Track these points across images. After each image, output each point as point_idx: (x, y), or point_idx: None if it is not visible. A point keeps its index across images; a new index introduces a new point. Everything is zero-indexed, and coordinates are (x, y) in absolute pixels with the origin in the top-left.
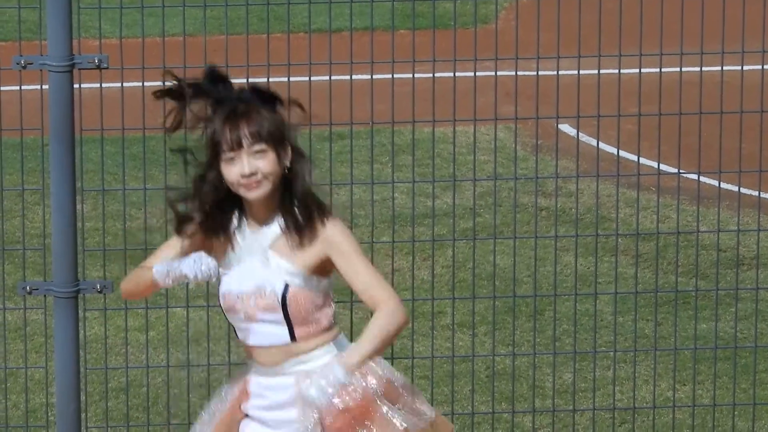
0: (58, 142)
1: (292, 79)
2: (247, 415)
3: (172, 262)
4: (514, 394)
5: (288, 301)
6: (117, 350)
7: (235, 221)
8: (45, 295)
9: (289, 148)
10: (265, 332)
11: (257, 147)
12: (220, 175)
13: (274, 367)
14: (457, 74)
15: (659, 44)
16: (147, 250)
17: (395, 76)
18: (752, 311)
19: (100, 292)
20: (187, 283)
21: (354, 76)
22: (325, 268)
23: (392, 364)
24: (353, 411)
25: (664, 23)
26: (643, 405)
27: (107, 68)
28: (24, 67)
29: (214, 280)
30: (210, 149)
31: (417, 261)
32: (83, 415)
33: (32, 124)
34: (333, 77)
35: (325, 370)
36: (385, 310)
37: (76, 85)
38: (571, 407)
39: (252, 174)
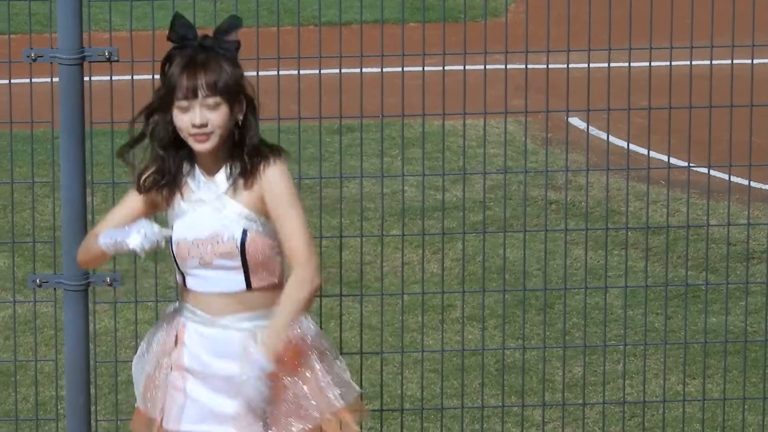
0: (69, 135)
1: (302, 72)
2: (171, 368)
3: (118, 234)
4: (523, 387)
5: (246, 247)
6: (127, 343)
7: (185, 168)
8: (55, 288)
9: (244, 101)
10: (221, 278)
11: (211, 100)
12: (170, 120)
13: (220, 317)
14: (467, 67)
15: (669, 38)
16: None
17: (405, 69)
18: (762, 305)
19: (109, 284)
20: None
21: (364, 69)
22: (267, 209)
23: (402, 357)
24: (286, 363)
25: (675, 16)
26: (652, 399)
27: (117, 61)
28: (34, 60)
29: (162, 245)
30: (164, 93)
31: (427, 254)
32: (93, 408)
33: (42, 116)
34: (343, 70)
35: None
36: (299, 278)
37: (86, 78)
38: (580, 401)
39: (203, 125)
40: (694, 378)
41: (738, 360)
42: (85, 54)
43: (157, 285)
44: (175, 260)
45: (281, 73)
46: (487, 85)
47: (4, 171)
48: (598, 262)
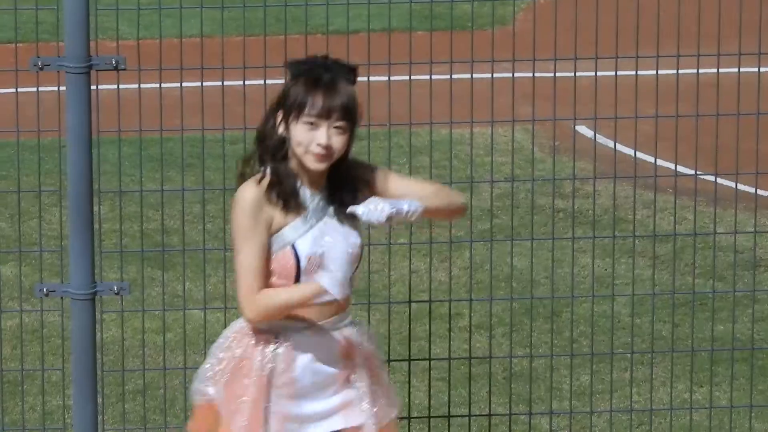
0: (76, 144)
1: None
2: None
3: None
4: (531, 395)
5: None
6: (134, 352)
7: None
8: (62, 297)
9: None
10: None
11: (340, 123)
12: (282, 134)
13: (331, 321)
14: (474, 75)
15: (676, 45)
16: (164, 251)
17: (413, 77)
18: None
19: (117, 293)
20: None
21: (371, 78)
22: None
23: (410, 365)
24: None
25: (682, 24)
26: (660, 407)
27: (124, 69)
28: (41, 69)
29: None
30: (285, 108)
31: (434, 262)
32: (100, 418)
33: (49, 125)
34: None
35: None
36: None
37: (93, 87)
38: (588, 409)
39: (327, 147)
40: (702, 386)
41: (745, 368)
42: (92, 62)
43: (164, 294)
44: (298, 276)
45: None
46: (494, 93)
47: (12, 180)
48: (606, 270)
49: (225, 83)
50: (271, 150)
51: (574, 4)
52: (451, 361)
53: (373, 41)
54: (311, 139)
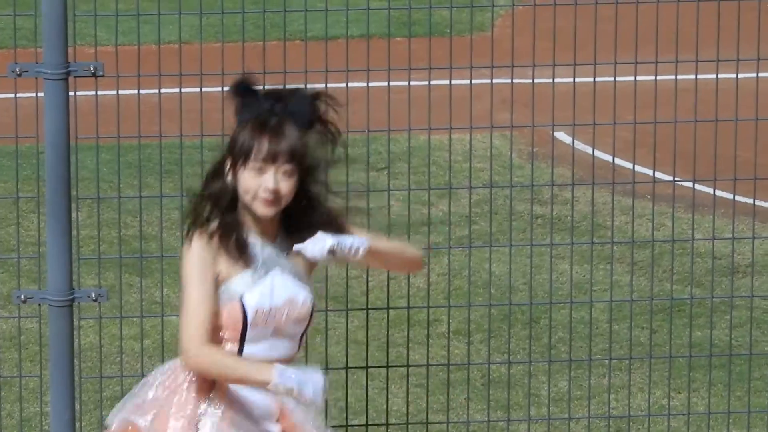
0: (54, 150)
1: (288, 86)
2: None
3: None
4: (509, 402)
5: (313, 311)
6: (112, 359)
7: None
8: (40, 304)
9: (307, 173)
10: (285, 344)
11: (287, 167)
12: (230, 183)
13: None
14: (453, 82)
15: (655, 52)
16: (142, 258)
17: (391, 83)
18: (747, 319)
19: (95, 300)
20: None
21: (350, 84)
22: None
23: (388, 372)
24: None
25: (660, 31)
26: (638, 413)
27: (103, 76)
28: (19, 75)
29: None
30: (233, 155)
31: None
32: (78, 425)
33: (27, 131)
34: (329, 85)
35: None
36: None
37: (71, 93)
38: (566, 415)
39: (275, 192)
40: (680, 392)
41: (723, 374)
42: (70, 69)
43: (142, 300)
44: (245, 329)
45: (267, 87)
46: (473, 99)
47: None
48: (584, 276)
49: (203, 89)
50: (219, 199)
51: (553, 11)
52: (429, 367)
53: (352, 47)
54: (259, 185)
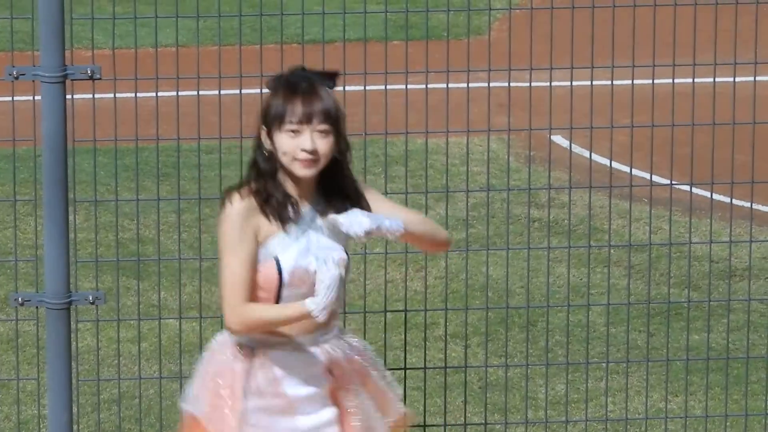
0: (51, 153)
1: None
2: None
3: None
4: (506, 405)
5: (349, 264)
6: (109, 362)
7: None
8: (37, 307)
9: (340, 136)
10: None
11: (323, 126)
12: (268, 148)
13: (311, 336)
14: (450, 85)
15: (652, 55)
16: (140, 261)
17: (388, 87)
18: (744, 322)
19: (92, 303)
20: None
21: (347, 87)
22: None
23: None
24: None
25: (657, 34)
26: (635, 416)
27: (100, 79)
28: (16, 78)
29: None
30: (267, 121)
31: (410, 272)
32: (75, 427)
33: (25, 134)
34: None
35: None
36: None
37: (68, 96)
38: (563, 418)
39: (313, 151)
40: (677, 395)
41: (720, 377)
42: (67, 72)
43: (139, 303)
44: (280, 289)
45: (264, 91)
46: (470, 102)
47: None
48: (581, 279)
49: (200, 93)
50: (259, 165)
51: (550, 14)
52: (427, 370)
53: (349, 51)
54: (296, 146)
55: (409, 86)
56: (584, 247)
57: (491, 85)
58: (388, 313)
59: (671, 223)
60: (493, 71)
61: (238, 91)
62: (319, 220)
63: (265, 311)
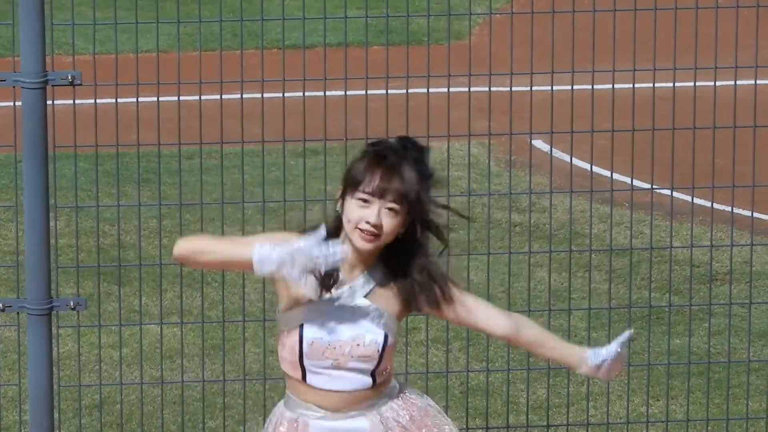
0: (31, 159)
1: (265, 95)
2: None
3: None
4: (488, 410)
5: (385, 351)
6: (90, 367)
7: None
8: (18, 312)
9: (416, 219)
10: (350, 378)
11: (393, 205)
12: (338, 208)
13: (347, 411)
14: (430, 90)
15: (632, 60)
16: (121, 266)
17: (369, 92)
18: (725, 326)
19: (73, 309)
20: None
21: (328, 92)
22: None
23: None
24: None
25: (637, 39)
26: (616, 420)
27: (80, 85)
28: None
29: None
30: (345, 183)
31: None
32: None
33: (5, 140)
34: (307, 93)
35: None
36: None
37: (49, 102)
38: (545, 423)
39: (375, 226)
40: (658, 399)
41: (701, 381)
42: (48, 78)
43: (121, 309)
44: (301, 356)
45: (245, 96)
46: (450, 107)
47: None
48: (562, 284)
49: (181, 98)
50: (326, 221)
51: (530, 19)
52: (408, 375)
53: (329, 56)
54: (361, 217)
55: (389, 91)
56: (565, 252)
57: (472, 89)
58: None
59: (652, 228)
60: (473, 76)
61: (218, 97)
62: (364, 295)
63: (213, 241)
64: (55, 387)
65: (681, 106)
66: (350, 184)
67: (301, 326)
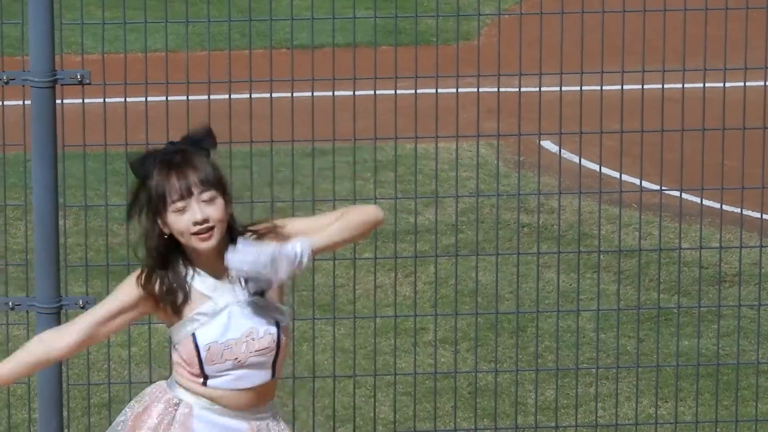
0: (41, 158)
1: (274, 95)
2: None
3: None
4: (496, 410)
5: (281, 340)
6: (99, 366)
7: (188, 274)
8: (27, 311)
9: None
10: (250, 375)
11: (207, 194)
12: (159, 230)
13: (240, 412)
14: (439, 90)
15: (641, 61)
16: (129, 265)
17: (377, 92)
18: (734, 328)
19: (82, 307)
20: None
21: (336, 93)
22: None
23: (375, 380)
24: None
25: (647, 40)
26: (625, 422)
27: (89, 84)
28: (6, 83)
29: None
30: (153, 204)
31: (399, 277)
32: (65, 431)
33: (14, 139)
34: (315, 93)
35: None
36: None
37: (58, 101)
38: (553, 424)
39: (204, 221)
40: (667, 401)
41: (710, 383)
42: (57, 77)
43: None
44: (201, 365)
45: (254, 96)
46: (459, 108)
47: None
48: (571, 285)
49: (190, 98)
50: (160, 255)
51: (539, 20)
52: (416, 375)
53: (338, 56)
54: (188, 221)
55: (398, 91)
56: (574, 253)
57: (480, 90)
58: (377, 318)
59: (661, 229)
60: (482, 76)
61: (227, 96)
62: (240, 292)
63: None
64: (64, 385)
65: (690, 107)
66: (158, 204)
67: (193, 335)
